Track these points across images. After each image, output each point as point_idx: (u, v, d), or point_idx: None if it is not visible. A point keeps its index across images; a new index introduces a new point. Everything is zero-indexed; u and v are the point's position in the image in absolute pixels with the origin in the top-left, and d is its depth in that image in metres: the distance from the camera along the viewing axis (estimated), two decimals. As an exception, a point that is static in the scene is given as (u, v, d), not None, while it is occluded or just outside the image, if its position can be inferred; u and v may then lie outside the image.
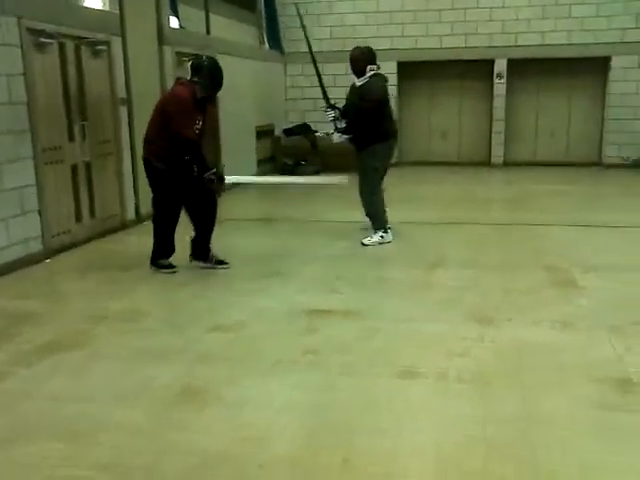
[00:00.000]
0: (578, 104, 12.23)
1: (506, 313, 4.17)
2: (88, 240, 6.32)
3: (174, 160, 5.01)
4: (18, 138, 5.39)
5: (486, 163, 12.35)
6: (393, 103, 6.42)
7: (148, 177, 5.20)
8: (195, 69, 5.00)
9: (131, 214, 7.14)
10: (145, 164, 5.17)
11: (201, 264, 5.35)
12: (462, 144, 12.78)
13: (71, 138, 6.12)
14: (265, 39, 11.64)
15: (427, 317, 4.17)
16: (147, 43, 7.45)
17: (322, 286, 4.90)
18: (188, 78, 5.02)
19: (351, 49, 6.23)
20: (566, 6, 11.45)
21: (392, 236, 6.17)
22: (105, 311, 4.35)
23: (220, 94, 5.37)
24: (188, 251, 5.36)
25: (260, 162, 11.24)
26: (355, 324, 4.05)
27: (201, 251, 5.35)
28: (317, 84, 6.47)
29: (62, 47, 5.95)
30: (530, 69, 12.01)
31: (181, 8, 8.27)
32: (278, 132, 12.00)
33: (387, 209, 6.22)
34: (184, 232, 5.33)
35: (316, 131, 12.00)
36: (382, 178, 6.26)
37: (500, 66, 11.91)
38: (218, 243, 5.53)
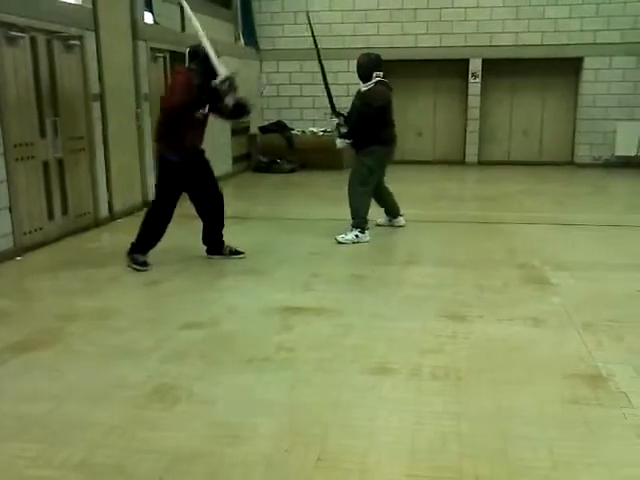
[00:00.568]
0: (551, 104, 12.39)
1: (479, 310, 4.21)
2: (60, 238, 6.24)
3: (187, 147, 5.09)
4: (-12, 134, 5.29)
5: (461, 162, 12.45)
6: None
7: (160, 172, 5.33)
8: (192, 56, 5.03)
9: (104, 211, 7.05)
10: (160, 160, 5.31)
11: (217, 258, 5.50)
12: (437, 143, 12.87)
13: (43, 134, 6.03)
14: (241, 36, 11.60)
15: (401, 314, 4.19)
16: (121, 38, 7.36)
17: (297, 283, 4.90)
18: (185, 65, 5.07)
19: (359, 55, 6.26)
20: (540, 7, 11.59)
21: (369, 237, 6.19)
22: (77, 309, 4.31)
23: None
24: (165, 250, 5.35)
25: (235, 159, 11.20)
26: (329, 321, 4.05)
27: (215, 246, 5.52)
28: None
29: (34, 41, 5.86)
30: (505, 69, 12.11)
31: (156, 3, 8.19)
32: (254, 130, 11.95)
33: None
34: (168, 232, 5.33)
35: (292, 129, 11.99)
36: (375, 182, 6.28)
37: (475, 66, 12.01)
38: (191, 240, 5.51)
